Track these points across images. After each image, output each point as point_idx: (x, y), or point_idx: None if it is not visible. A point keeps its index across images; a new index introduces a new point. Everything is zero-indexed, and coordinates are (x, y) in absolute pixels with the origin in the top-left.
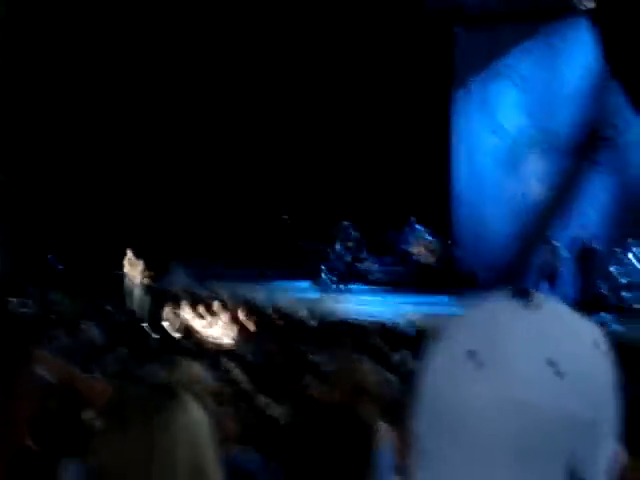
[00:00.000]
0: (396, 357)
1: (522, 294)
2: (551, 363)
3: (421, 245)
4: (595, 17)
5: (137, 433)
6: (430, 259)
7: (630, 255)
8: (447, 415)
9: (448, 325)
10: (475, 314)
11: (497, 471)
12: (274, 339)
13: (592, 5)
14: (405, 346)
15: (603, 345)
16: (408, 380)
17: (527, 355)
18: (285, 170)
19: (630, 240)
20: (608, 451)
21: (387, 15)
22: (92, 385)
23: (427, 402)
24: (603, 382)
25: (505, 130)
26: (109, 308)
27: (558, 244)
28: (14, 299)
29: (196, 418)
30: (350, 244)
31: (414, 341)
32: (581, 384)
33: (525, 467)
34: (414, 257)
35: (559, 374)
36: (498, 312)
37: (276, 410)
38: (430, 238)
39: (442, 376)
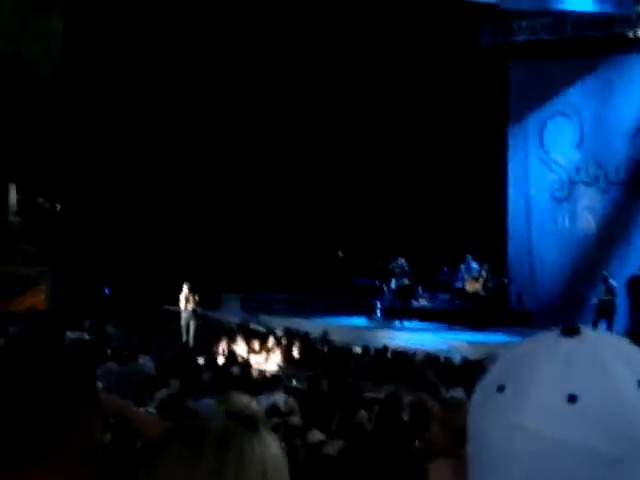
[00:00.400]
0: (449, 392)
1: (571, 331)
2: (572, 397)
3: (476, 282)
4: None
5: (209, 462)
6: (485, 296)
7: None
8: (479, 447)
9: (493, 362)
10: (515, 350)
11: None
12: (327, 373)
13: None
14: (459, 382)
15: None
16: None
17: (548, 387)
18: (342, 205)
19: None
20: None
21: (441, 51)
22: (146, 419)
23: (470, 437)
24: (637, 421)
25: (560, 165)
26: (163, 341)
27: (614, 282)
28: (70, 331)
29: (273, 452)
30: (405, 280)
31: (467, 377)
32: (608, 420)
33: None
34: (469, 294)
35: (579, 408)
36: (536, 347)
37: (330, 447)
38: (485, 275)
39: (476, 411)
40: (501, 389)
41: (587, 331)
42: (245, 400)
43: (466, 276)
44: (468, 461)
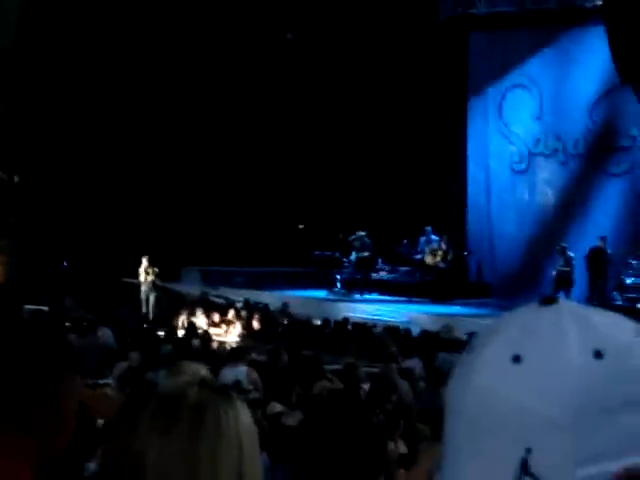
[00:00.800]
0: (407, 363)
1: (547, 301)
2: (517, 357)
3: (436, 254)
4: (606, 20)
5: (186, 431)
6: (444, 268)
7: None
8: (447, 412)
9: (485, 334)
10: (511, 321)
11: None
12: (286, 346)
13: (598, 4)
14: (417, 352)
15: None
16: (415, 386)
17: (498, 348)
18: (301, 179)
19: None
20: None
21: (401, 24)
22: (100, 398)
23: (467, 402)
24: (584, 388)
25: (519, 137)
26: (122, 314)
27: (572, 254)
28: (28, 304)
29: (246, 421)
30: (365, 253)
31: (425, 348)
32: (549, 383)
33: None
34: (429, 266)
35: (521, 368)
36: (509, 316)
37: (289, 418)
38: (445, 247)
39: (488, 383)
40: (469, 350)
41: (564, 301)
42: (201, 371)
43: (426, 249)
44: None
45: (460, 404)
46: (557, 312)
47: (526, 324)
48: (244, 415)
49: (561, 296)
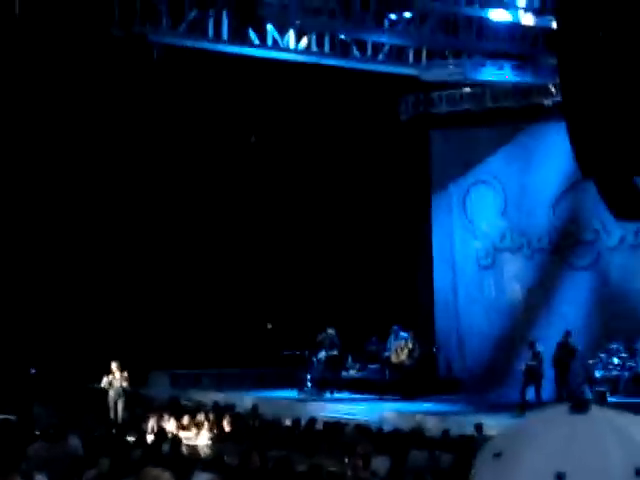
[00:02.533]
0: (377, 461)
1: (580, 407)
2: (560, 476)
3: (401, 352)
4: (565, 116)
5: None
6: (411, 365)
7: (615, 360)
8: None
9: (514, 439)
10: (521, 422)
11: None
12: (257, 447)
13: (557, 100)
14: (388, 451)
15: None
16: None
17: (541, 459)
18: (269, 278)
19: (613, 345)
20: None
21: (362, 122)
22: None
23: None
24: None
25: (484, 233)
26: (90, 420)
27: (541, 348)
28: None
29: None
30: (334, 351)
31: (397, 446)
32: None
33: None
34: (396, 364)
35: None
36: (540, 419)
37: None
38: (411, 344)
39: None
40: (498, 455)
41: (596, 408)
42: (158, 474)
43: (394, 346)
44: None
45: None
46: (594, 423)
47: (563, 436)
48: None
49: (530, 391)
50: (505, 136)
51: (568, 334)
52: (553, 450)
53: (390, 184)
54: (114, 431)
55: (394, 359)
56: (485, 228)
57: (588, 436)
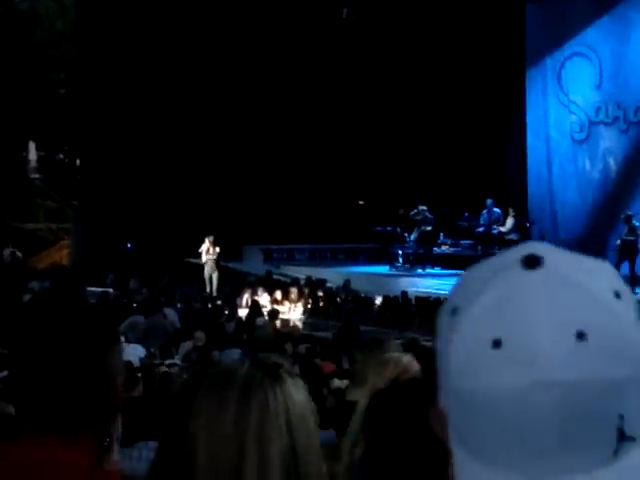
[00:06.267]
0: None
1: (532, 263)
2: (580, 334)
3: (498, 227)
4: None
5: (233, 411)
6: (507, 240)
7: None
8: (474, 399)
9: (457, 301)
10: (489, 293)
11: (544, 456)
12: (350, 322)
13: None
14: None
15: (626, 294)
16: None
17: (551, 331)
18: (360, 154)
19: None
20: None
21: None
22: None
23: (452, 384)
24: (632, 334)
25: (579, 106)
26: (186, 294)
27: (637, 223)
28: (94, 286)
29: (297, 401)
30: (427, 227)
31: None
32: (608, 343)
33: (571, 446)
34: (491, 239)
35: (583, 341)
36: (515, 289)
37: (355, 394)
38: (507, 219)
39: (466, 363)
40: (454, 311)
41: (546, 254)
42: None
43: (488, 221)
44: (445, 405)
45: (526, 407)
46: (542, 280)
47: (501, 296)
48: (297, 395)
49: (625, 266)
50: (602, 6)
51: None
52: (490, 311)
53: (485, 57)
54: (209, 305)
55: (491, 234)
56: (580, 101)
57: (526, 296)
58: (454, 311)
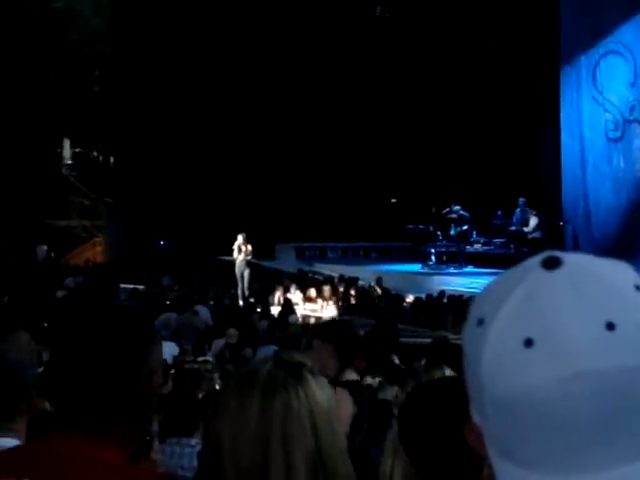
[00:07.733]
0: None
1: (553, 264)
2: (610, 325)
3: (531, 226)
4: None
5: (256, 412)
6: (540, 239)
7: None
8: (514, 402)
9: (481, 312)
10: (514, 297)
11: (589, 450)
12: (383, 319)
13: None
14: None
15: None
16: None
17: (581, 324)
18: (393, 153)
19: None
20: None
21: None
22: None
23: (487, 393)
24: None
25: (614, 104)
26: (219, 291)
27: None
28: (128, 283)
29: (320, 400)
30: (464, 227)
31: None
32: (636, 332)
33: (613, 437)
34: (524, 238)
35: (612, 330)
36: (539, 288)
37: (387, 392)
38: (539, 218)
39: (498, 366)
40: (481, 322)
41: (572, 261)
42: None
43: (521, 220)
44: (479, 415)
45: (564, 402)
46: (563, 279)
47: (524, 296)
48: (320, 394)
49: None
50: (638, 4)
51: None
52: (517, 313)
53: (520, 55)
54: (241, 302)
55: (524, 233)
56: (614, 99)
57: (551, 294)
58: (480, 322)
